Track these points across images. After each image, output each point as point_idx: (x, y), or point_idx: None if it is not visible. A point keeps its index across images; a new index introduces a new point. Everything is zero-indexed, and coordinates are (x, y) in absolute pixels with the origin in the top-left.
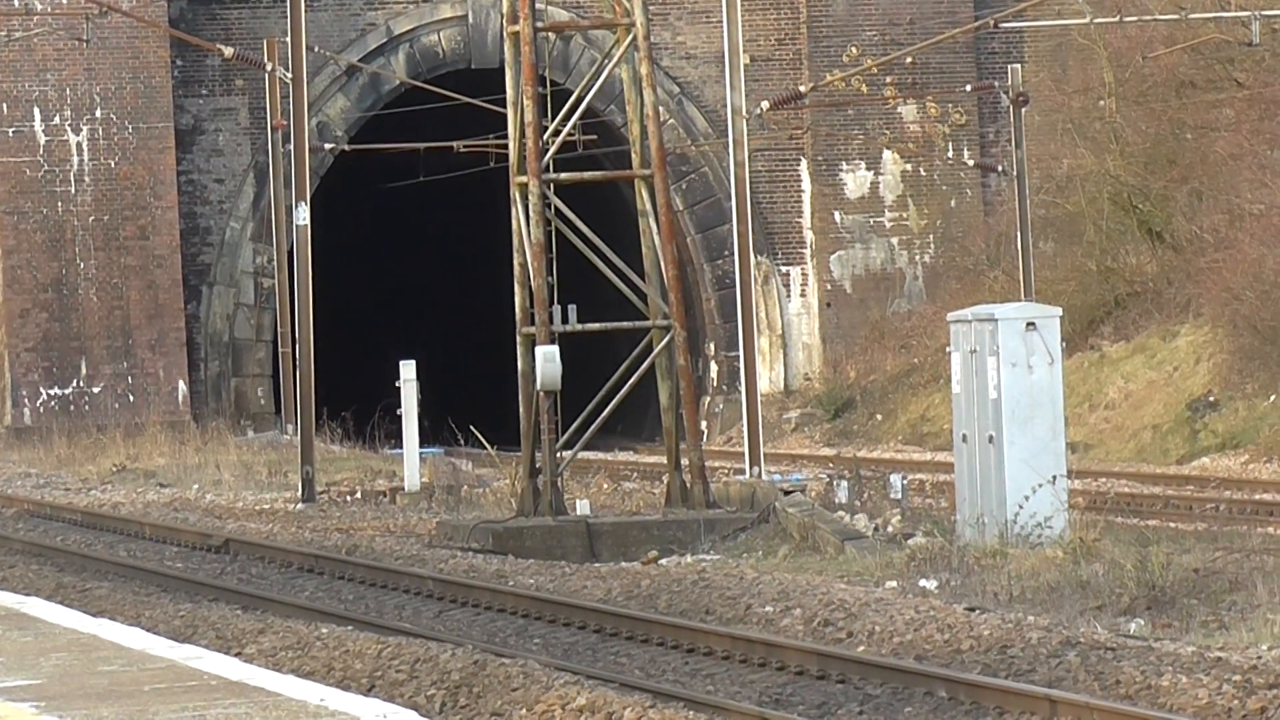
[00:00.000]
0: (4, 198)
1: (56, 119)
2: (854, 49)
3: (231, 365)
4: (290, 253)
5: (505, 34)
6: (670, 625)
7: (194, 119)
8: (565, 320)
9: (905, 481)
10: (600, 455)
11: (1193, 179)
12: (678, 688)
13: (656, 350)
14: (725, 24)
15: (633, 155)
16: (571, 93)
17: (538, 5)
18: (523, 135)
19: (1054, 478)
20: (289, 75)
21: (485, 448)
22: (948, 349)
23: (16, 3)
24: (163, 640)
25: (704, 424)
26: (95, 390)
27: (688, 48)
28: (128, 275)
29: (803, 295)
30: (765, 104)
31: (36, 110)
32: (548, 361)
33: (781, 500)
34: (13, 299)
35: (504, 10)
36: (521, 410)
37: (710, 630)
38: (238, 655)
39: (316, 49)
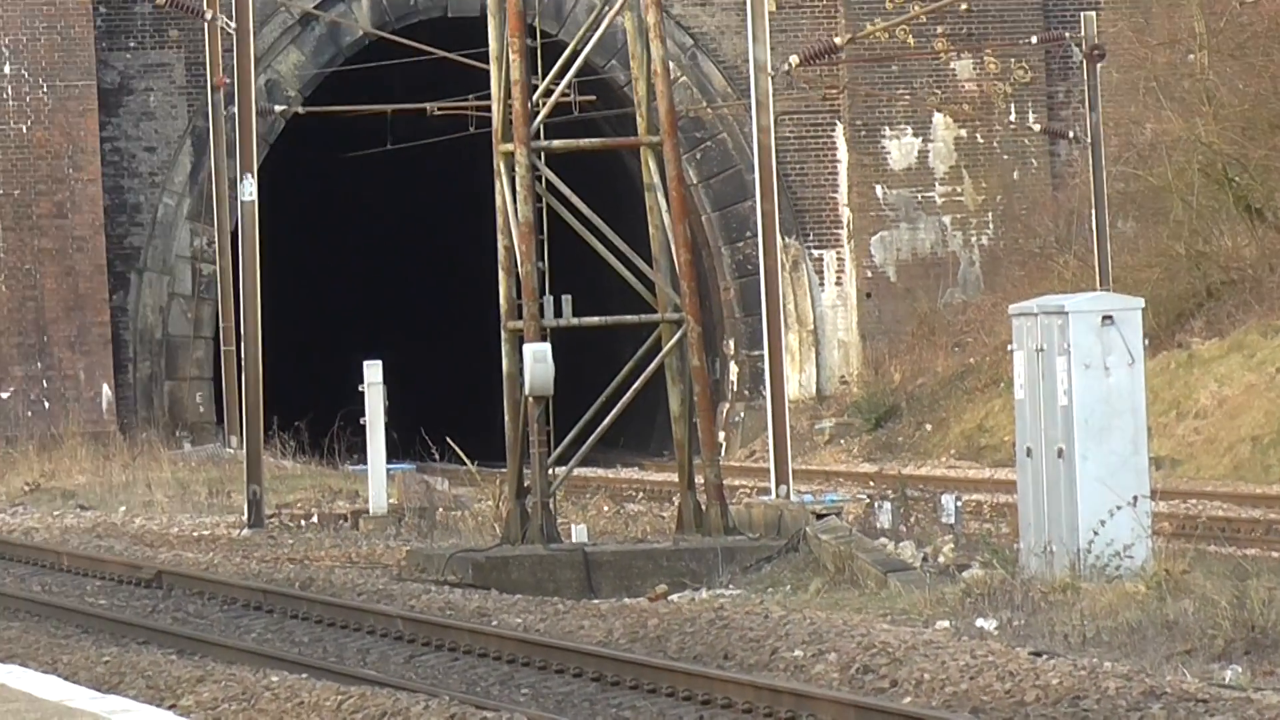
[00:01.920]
0: None
1: None
2: None
3: (165, 366)
4: (234, 234)
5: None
6: (683, 673)
7: (120, 76)
8: (559, 313)
9: (959, 503)
10: (600, 472)
11: None
12: None
13: (666, 349)
14: None
15: (638, 119)
16: (566, 45)
17: None
18: (508, 96)
19: (1135, 499)
20: (233, 24)
21: (464, 463)
22: (1010, 347)
23: None
24: (84, 690)
25: (722, 435)
26: (3, 396)
27: None
28: (42, 260)
29: (838, 284)
30: (794, 59)
31: None
32: (538, 362)
33: (814, 525)
34: None
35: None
36: (507, 419)
37: (730, 679)
38: (172, 708)
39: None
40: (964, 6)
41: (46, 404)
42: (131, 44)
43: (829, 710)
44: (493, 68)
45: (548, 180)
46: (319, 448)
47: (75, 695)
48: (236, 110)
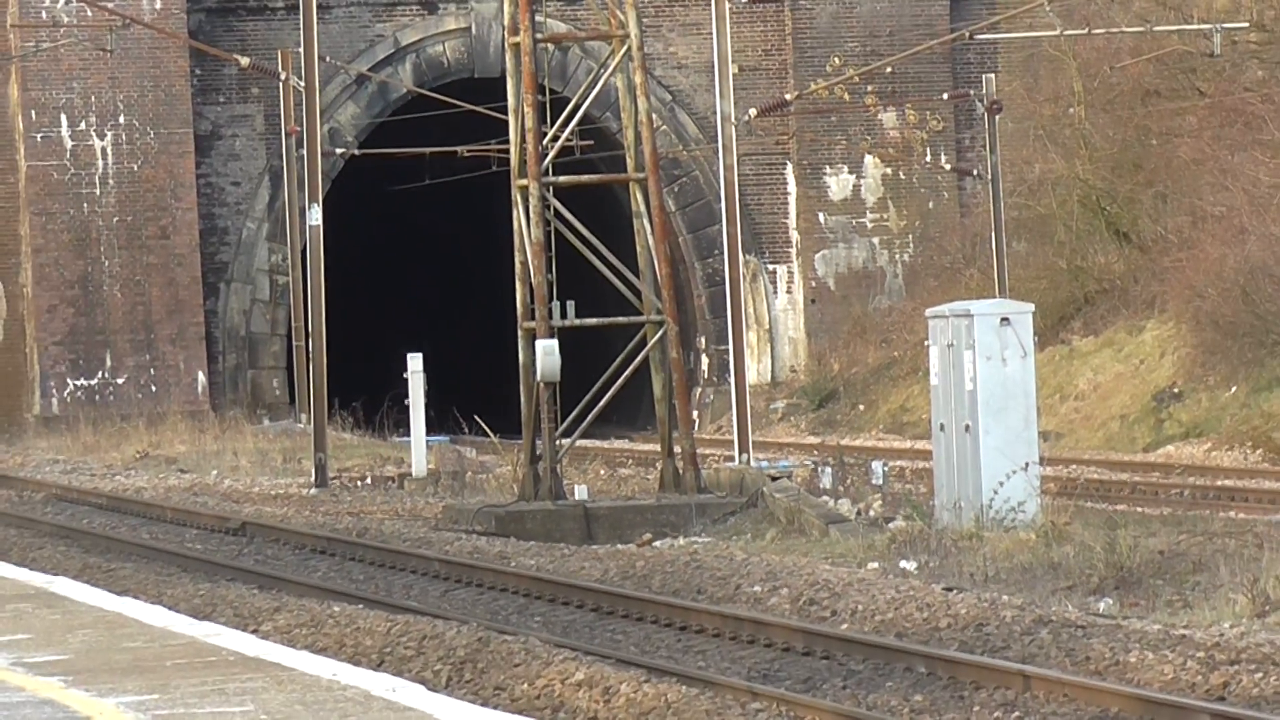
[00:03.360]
0: (33, 199)
1: (82, 125)
2: (836, 59)
3: (248, 358)
4: (303, 251)
5: (507, 45)
6: (664, 604)
7: (212, 125)
8: (564, 315)
9: (886, 468)
10: (597, 443)
11: (1157, 183)
12: (671, 663)
13: (650, 344)
14: (715, 35)
15: (627, 160)
16: (569, 100)
17: (537, 18)
18: (523, 140)
19: (1026, 465)
20: (302, 84)
21: (488, 436)
22: (926, 343)
23: (45, 15)
24: (183, 618)
25: (695, 414)
26: (119, 381)
27: (679, 58)
28: (150, 273)
29: (789, 292)
30: (753, 111)
31: (64, 117)
32: (547, 354)
33: (769, 486)
34: (41, 295)
35: (505, 23)
36: (523, 400)
37: (701, 609)
38: (254, 632)
39: (328, 59)
40: (889, 70)
41: (153, 388)
42: (221, 99)
43: (781, 634)
44: (511, 119)
45: (555, 208)
46: (371, 423)
47: (177, 622)
48: (305, 152)
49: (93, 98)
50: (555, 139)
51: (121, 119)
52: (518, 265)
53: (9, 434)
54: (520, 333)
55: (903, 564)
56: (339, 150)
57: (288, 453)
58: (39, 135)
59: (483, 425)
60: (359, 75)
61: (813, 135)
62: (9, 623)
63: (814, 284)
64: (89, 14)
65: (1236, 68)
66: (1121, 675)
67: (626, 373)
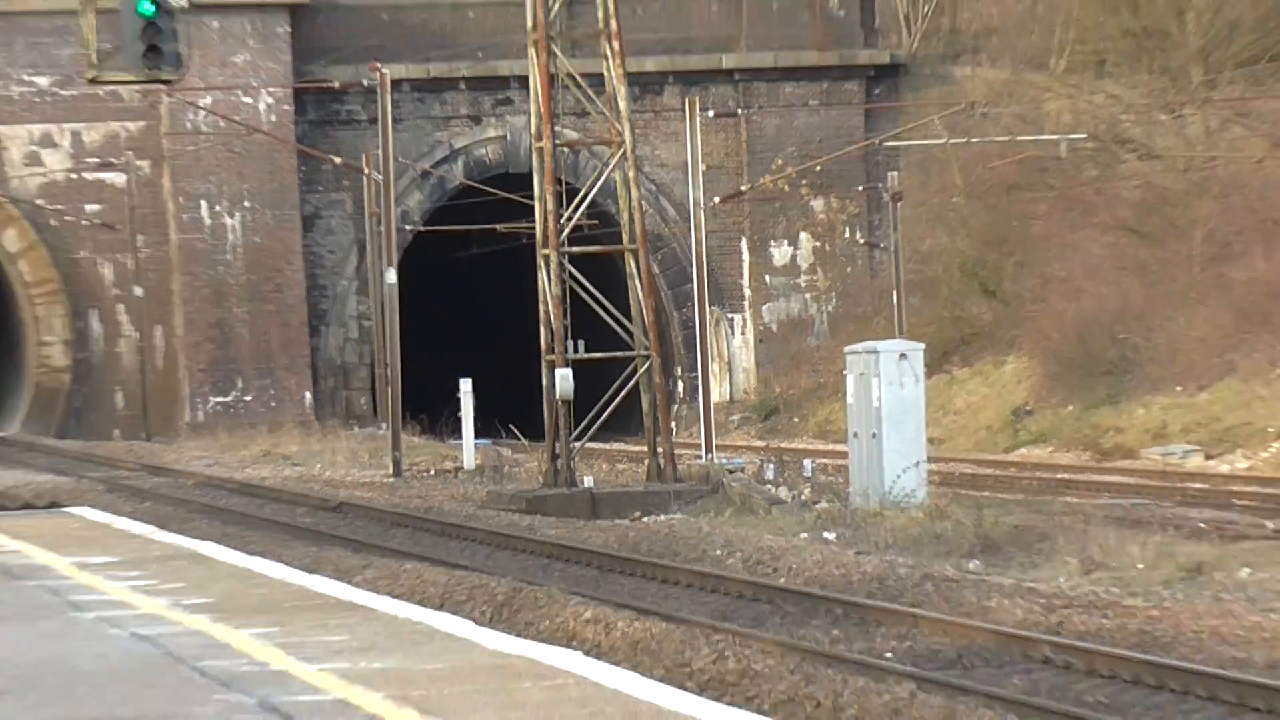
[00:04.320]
0: (181, 264)
1: (217, 207)
2: (779, 160)
3: (342, 381)
4: (382, 303)
5: (533, 149)
6: (649, 563)
7: (314, 208)
8: (576, 350)
9: (814, 465)
10: (600, 445)
11: (1016, 254)
12: (654, 607)
13: (640, 373)
14: (689, 142)
15: (623, 235)
16: (580, 190)
17: (555, 128)
18: (546, 220)
19: (917, 462)
20: (380, 177)
21: (520, 439)
22: (844, 372)
23: (189, 125)
24: (297, 572)
25: (674, 424)
26: (247, 399)
27: (661, 158)
28: (268, 318)
29: (743, 334)
30: (717, 199)
31: (203, 202)
32: (563, 380)
33: (727, 477)
34: (189, 335)
35: (532, 132)
36: (545, 413)
37: (677, 567)
38: (349, 583)
39: (399, 159)
40: (817, 168)
41: (272, 404)
42: (319, 189)
43: (735, 586)
44: (536, 204)
45: (570, 271)
46: (434, 430)
47: (291, 575)
48: (382, 229)
49: (225, 187)
50: (569, 219)
51: (246, 203)
52: (541, 313)
53: (167, 437)
54: (544, 363)
55: (825, 535)
56: (408, 227)
57: (372, 451)
58: (185, 215)
59: (515, 432)
60: (423, 171)
61: (761, 217)
62: (169, 575)
63: (761, 328)
64: (222, 124)
65: (1077, 168)
66: (985, 616)
67: (622, 393)
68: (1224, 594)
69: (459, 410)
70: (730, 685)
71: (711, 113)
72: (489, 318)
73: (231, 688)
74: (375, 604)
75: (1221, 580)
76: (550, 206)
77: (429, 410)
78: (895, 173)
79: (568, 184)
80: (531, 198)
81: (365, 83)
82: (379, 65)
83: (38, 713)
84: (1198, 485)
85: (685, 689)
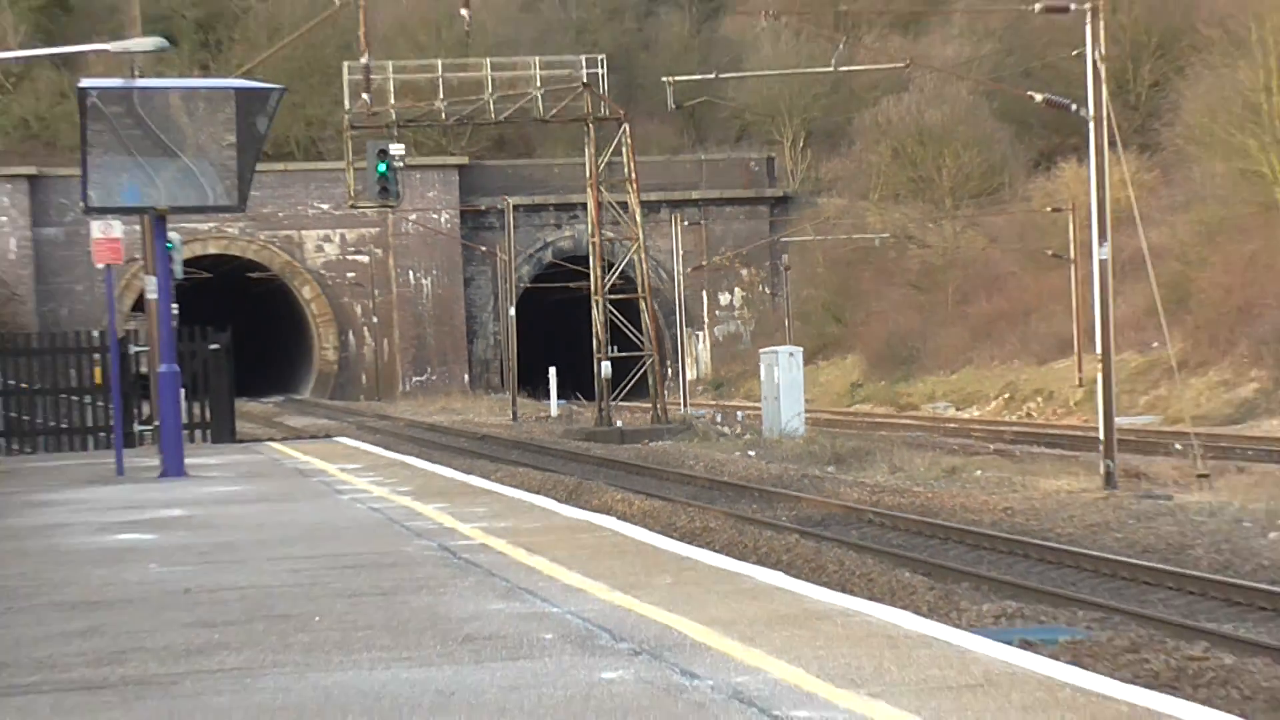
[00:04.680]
0: (398, 304)
1: (417, 274)
2: (723, 248)
3: (484, 368)
4: (507, 326)
5: (589, 242)
6: (652, 469)
7: (470, 275)
8: (612, 350)
9: (743, 415)
10: (625, 403)
11: (852, 299)
12: (655, 492)
13: (646, 364)
14: (674, 239)
15: (638, 288)
16: (614, 264)
17: (602, 231)
18: (596, 280)
19: (799, 413)
20: (506, 258)
21: (581, 400)
22: (759, 364)
23: (404, 227)
24: (459, 473)
25: (665, 392)
26: (433, 378)
27: (659, 247)
28: (444, 335)
29: (704, 343)
30: (689, 270)
31: (410, 271)
32: (605, 367)
33: (695, 421)
34: (401, 343)
35: (589, 233)
36: (596, 385)
37: (669, 471)
38: (488, 479)
39: (516, 248)
40: (744, 251)
41: (446, 381)
42: (473, 264)
43: (700, 480)
44: (591, 272)
45: (609, 308)
46: (535, 395)
47: (454, 474)
48: (508, 286)
49: (421, 263)
50: (609, 280)
51: (434, 272)
52: (594, 330)
53: (388, 400)
54: (596, 358)
55: (749, 453)
56: (521, 285)
57: (501, 407)
58: (400, 278)
59: (580, 396)
60: (529, 254)
61: (713, 280)
62: (389, 475)
63: (714, 340)
64: (421, 229)
65: (884, 252)
66: (836, 497)
67: (636, 375)
68: (966, 484)
69: (549, 384)
70: (696, 535)
71: (686, 223)
72: (564, 333)
73: (422, 537)
74: (502, 490)
75: (964, 477)
76: (598, 273)
77: (532, 384)
78: (785, 255)
79: (608, 260)
80: (588, 267)
81: (499, 206)
82: (506, 197)
83: (317, 548)
84: (951, 425)
85: (671, 537)
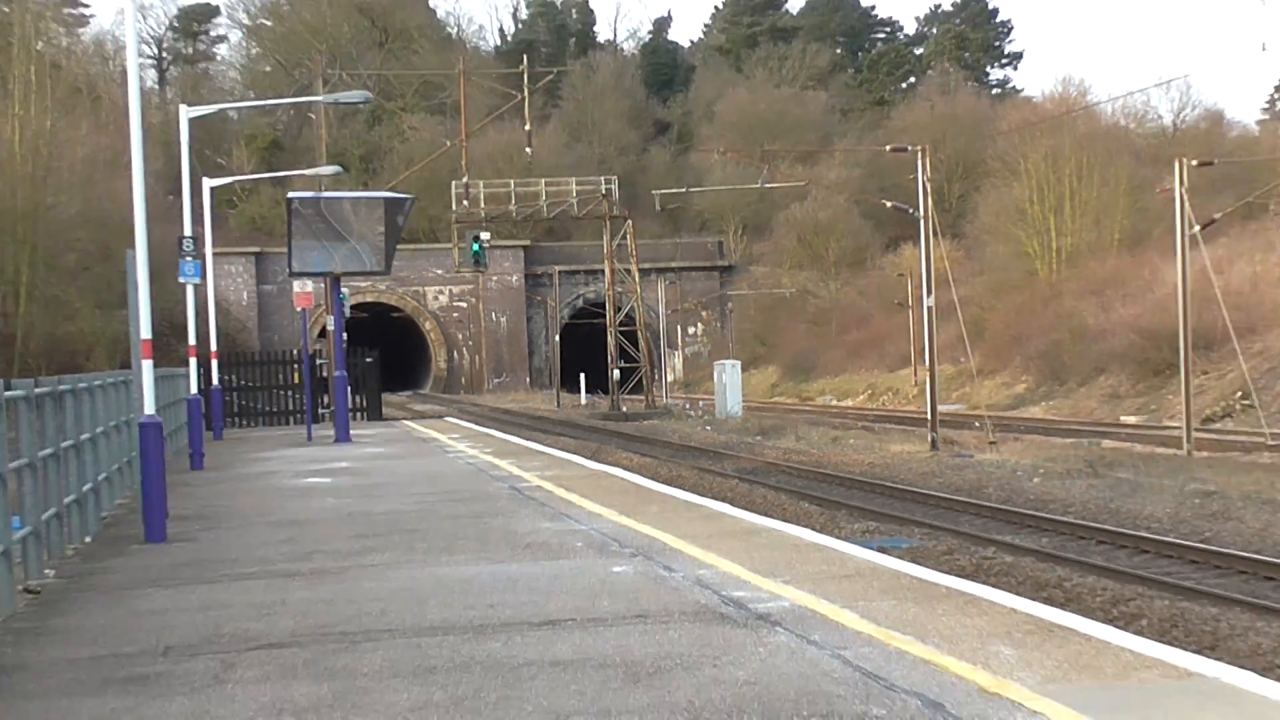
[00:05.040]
0: (486, 334)
1: (499, 314)
2: (690, 299)
3: (539, 374)
4: (554, 348)
5: (607, 294)
6: (644, 438)
7: (529, 315)
8: (621, 362)
9: (703, 404)
10: (627, 396)
11: (772, 331)
12: (647, 454)
13: (640, 372)
14: (660, 293)
15: (637, 324)
16: (621, 308)
17: (615, 288)
18: (611, 317)
19: (739, 403)
20: (554, 305)
21: (600, 394)
22: (714, 371)
23: (488, 286)
24: (523, 440)
25: (654, 389)
26: (506, 380)
27: (650, 297)
28: (514, 352)
29: (679, 358)
30: (669, 312)
31: (493, 312)
32: (617, 373)
33: (673, 408)
34: (487, 358)
35: (606, 288)
36: (610, 385)
37: (654, 439)
38: (541, 444)
39: (559, 299)
40: (704, 301)
41: (514, 382)
42: (533, 308)
43: (673, 445)
44: (606, 313)
45: (619, 336)
46: (571, 391)
47: (521, 440)
48: (552, 321)
49: (499, 306)
50: (618, 319)
51: (508, 312)
52: (609, 349)
53: (478, 394)
54: (610, 367)
55: (707, 429)
56: (562, 322)
57: (550, 399)
58: (486, 317)
59: (600, 391)
60: (568, 302)
61: (685, 318)
62: (477, 441)
63: (685, 356)
64: (498, 286)
65: (793, 300)
66: (762, 456)
67: (635, 378)
68: (844, 448)
69: (580, 384)
70: (673, 480)
71: (666, 283)
72: (590, 352)
73: (499, 480)
74: (550, 451)
75: (843, 443)
76: (611, 314)
77: (570, 384)
78: (730, 303)
79: (618, 305)
80: (605, 311)
81: (549, 272)
82: (554, 266)
83: (432, 487)
84: (835, 411)
85: (655, 481)
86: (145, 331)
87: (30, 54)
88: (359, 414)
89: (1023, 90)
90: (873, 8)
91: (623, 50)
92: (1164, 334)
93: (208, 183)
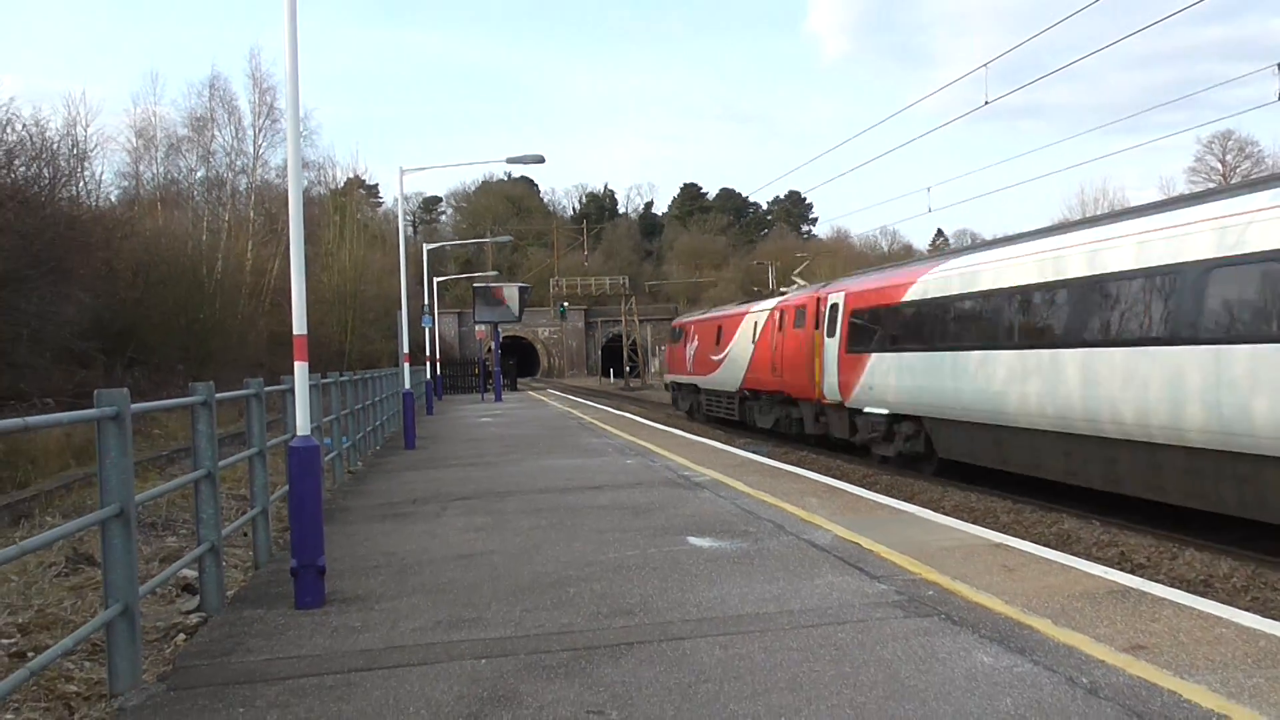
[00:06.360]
0: (565, 351)
1: (570, 340)
2: (660, 334)
3: (592, 370)
4: (599, 358)
5: (623, 333)
6: (640, 401)
7: (588, 340)
8: (628, 363)
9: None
10: (633, 380)
11: None
12: (642, 406)
13: (637, 367)
14: (648, 332)
15: (637, 346)
16: (630, 338)
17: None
18: (624, 344)
19: None
20: (598, 338)
21: (619, 378)
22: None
23: (567, 327)
24: (584, 399)
25: (641, 378)
26: (576, 373)
27: (643, 332)
28: (580, 359)
29: (656, 362)
30: (652, 340)
31: (569, 340)
32: (627, 368)
33: (653, 386)
34: (565, 362)
35: (623, 325)
36: (624, 373)
37: (646, 400)
38: (592, 400)
39: (599, 335)
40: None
41: (578, 374)
42: (589, 338)
43: (651, 402)
44: (624, 340)
45: (627, 351)
46: (608, 377)
47: (584, 400)
48: (596, 345)
49: (570, 338)
50: (626, 345)
51: (575, 340)
52: (624, 357)
53: (561, 380)
54: (625, 366)
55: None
56: (600, 345)
57: (598, 383)
58: (566, 341)
59: (620, 377)
60: (604, 336)
61: (657, 343)
62: (562, 401)
63: (659, 361)
64: (571, 328)
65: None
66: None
67: (629, 373)
68: None
69: (610, 373)
70: (661, 421)
71: (651, 326)
72: (614, 358)
73: (572, 419)
74: (595, 405)
75: None
76: (624, 341)
77: (605, 374)
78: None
79: (629, 336)
80: (622, 342)
81: (595, 322)
82: (598, 319)
83: (542, 424)
84: None
85: (645, 419)
86: (404, 348)
87: (352, 219)
88: (506, 388)
89: (816, 235)
90: (748, 197)
91: (629, 215)
92: None
93: (435, 280)
